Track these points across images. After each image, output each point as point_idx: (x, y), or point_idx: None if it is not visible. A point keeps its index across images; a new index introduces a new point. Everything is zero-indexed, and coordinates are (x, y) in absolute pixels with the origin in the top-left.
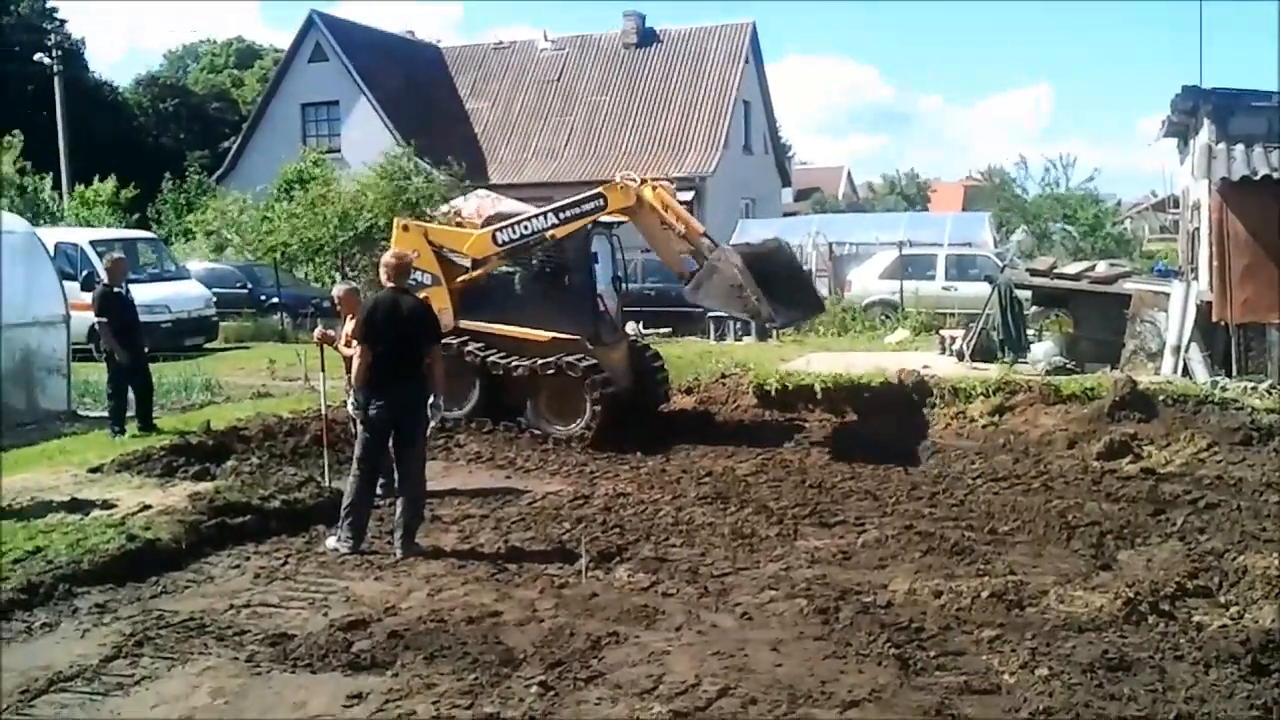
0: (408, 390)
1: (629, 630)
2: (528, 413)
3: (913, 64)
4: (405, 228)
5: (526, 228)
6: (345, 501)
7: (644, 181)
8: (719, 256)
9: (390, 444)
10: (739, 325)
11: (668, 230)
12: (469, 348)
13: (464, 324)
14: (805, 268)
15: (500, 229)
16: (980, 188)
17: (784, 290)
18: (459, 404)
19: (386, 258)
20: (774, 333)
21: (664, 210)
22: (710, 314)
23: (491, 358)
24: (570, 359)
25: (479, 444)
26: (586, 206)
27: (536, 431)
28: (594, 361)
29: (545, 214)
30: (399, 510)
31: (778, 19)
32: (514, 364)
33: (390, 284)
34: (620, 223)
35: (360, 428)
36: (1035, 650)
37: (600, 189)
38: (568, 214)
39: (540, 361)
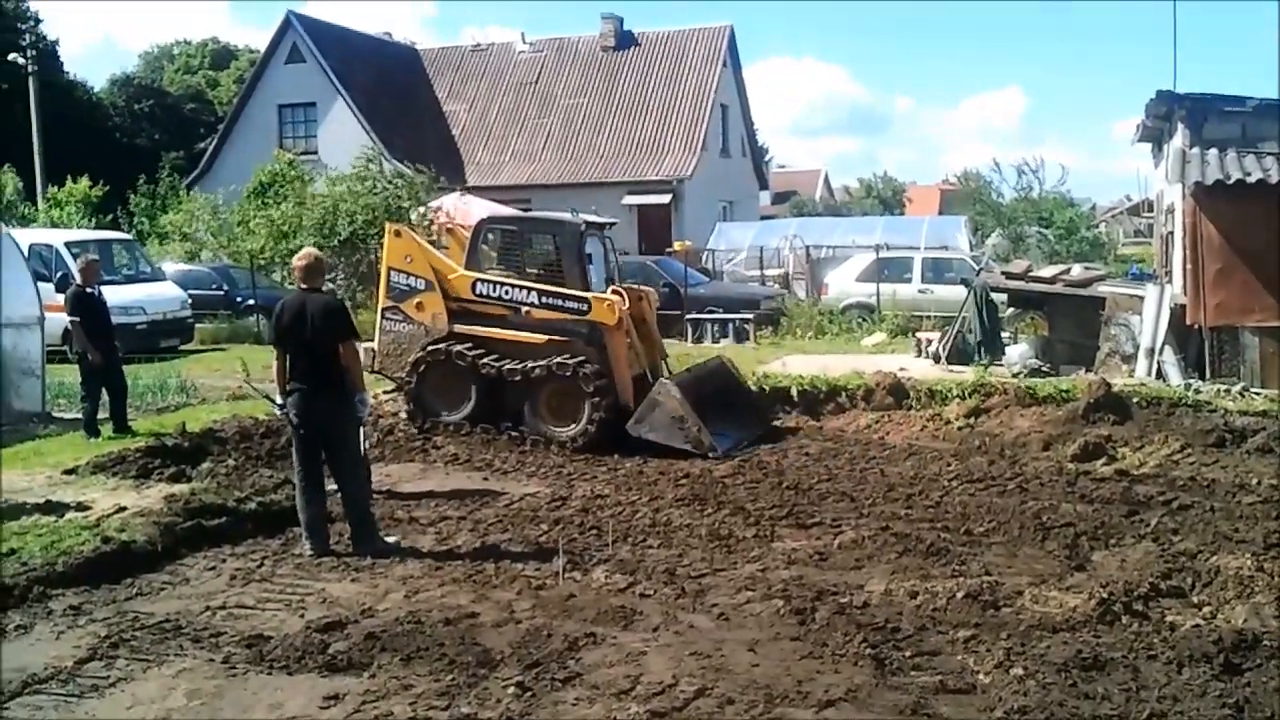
0: (324, 390)
1: (606, 631)
2: (526, 415)
3: (888, 67)
4: (397, 233)
5: (506, 293)
6: (298, 507)
7: (639, 295)
8: (659, 390)
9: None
10: (716, 328)
11: (632, 351)
12: (465, 351)
13: (459, 328)
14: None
15: (480, 281)
16: (956, 191)
17: (728, 410)
18: (455, 409)
19: (295, 259)
20: (752, 335)
21: (638, 325)
22: (689, 316)
23: (506, 365)
24: (588, 371)
25: (456, 446)
26: (569, 305)
27: (533, 434)
28: (599, 368)
29: (529, 290)
30: (344, 510)
31: (755, 22)
32: (527, 367)
33: (301, 285)
34: (612, 223)
35: (290, 431)
36: (1010, 650)
37: (590, 298)
38: (549, 301)
39: (557, 362)
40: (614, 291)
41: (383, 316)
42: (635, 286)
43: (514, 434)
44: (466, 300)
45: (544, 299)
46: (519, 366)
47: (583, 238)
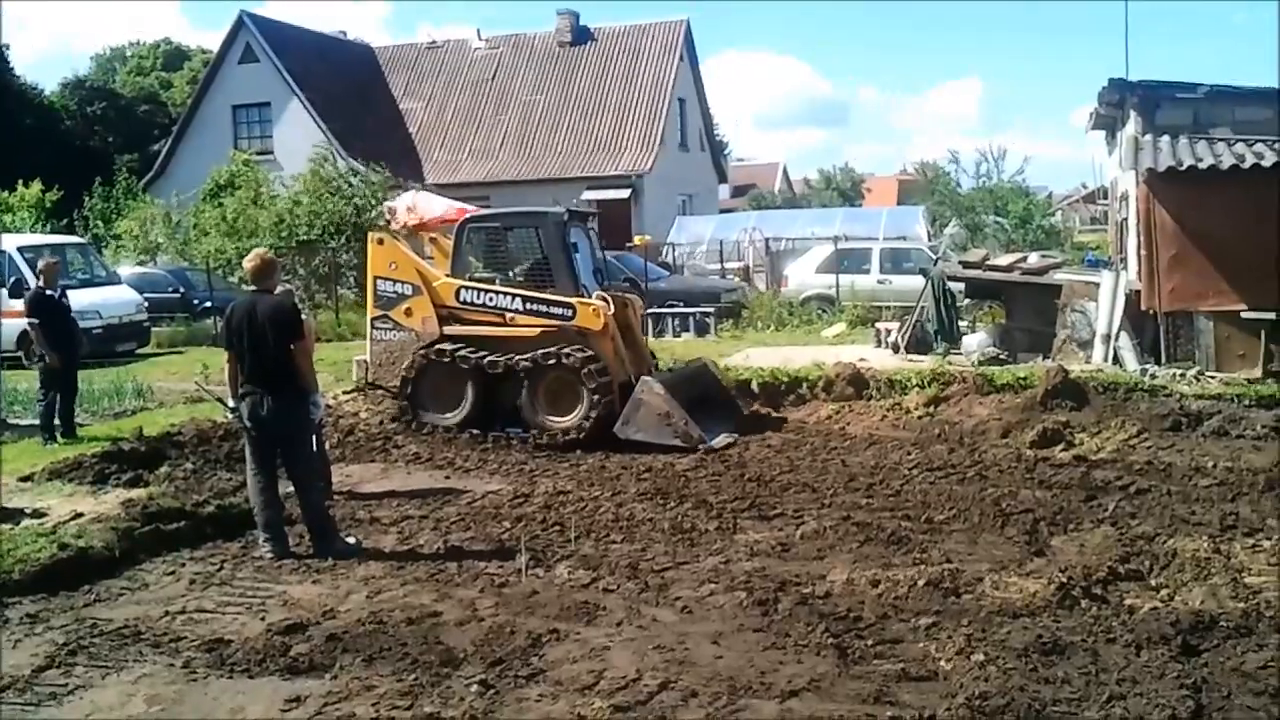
0: (276, 392)
1: (569, 627)
2: (524, 407)
3: (846, 58)
4: (380, 241)
5: (491, 299)
6: (254, 510)
7: (625, 302)
8: (642, 389)
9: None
10: (677, 321)
11: (618, 358)
12: (459, 352)
13: (449, 330)
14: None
15: (466, 289)
16: (915, 182)
17: (710, 410)
18: (452, 411)
19: (246, 260)
20: (713, 328)
21: (624, 332)
22: (650, 311)
23: (503, 360)
24: (590, 367)
25: (417, 445)
26: (555, 310)
27: (532, 428)
28: (594, 354)
29: (514, 296)
30: (302, 512)
31: (712, 14)
32: (525, 359)
33: (252, 286)
34: (595, 213)
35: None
36: (971, 636)
37: (575, 302)
38: (534, 308)
39: (558, 351)
40: (599, 297)
41: (372, 326)
42: (621, 294)
43: (512, 435)
44: (453, 306)
45: (528, 305)
46: (517, 359)
47: (566, 228)
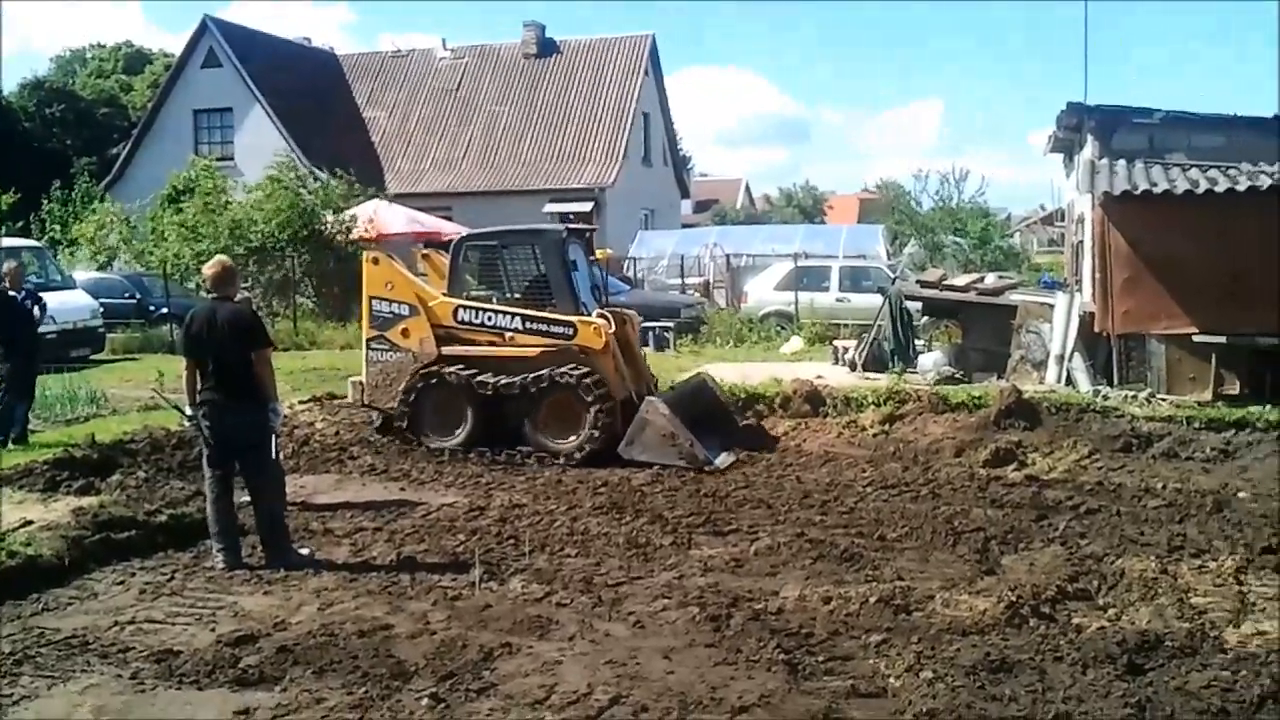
0: (236, 400)
1: (522, 641)
2: (526, 429)
3: (809, 77)
4: (375, 260)
5: (490, 319)
6: (209, 519)
7: (623, 319)
8: (647, 409)
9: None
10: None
11: (619, 375)
12: (458, 373)
13: (447, 351)
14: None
15: (464, 308)
16: (876, 200)
17: (711, 427)
18: (451, 433)
19: (206, 267)
20: (672, 343)
21: (624, 349)
22: None
23: (502, 381)
24: (588, 380)
25: (373, 456)
26: (555, 329)
27: (534, 449)
28: (595, 373)
29: (514, 315)
30: (256, 522)
31: (678, 30)
32: (525, 380)
33: (212, 294)
34: (593, 229)
35: (201, 442)
36: (920, 654)
37: (576, 321)
38: (534, 327)
39: (557, 373)
40: (599, 315)
41: (368, 347)
42: (620, 309)
43: (512, 453)
44: (451, 326)
45: (527, 324)
46: (516, 381)
47: (564, 245)
